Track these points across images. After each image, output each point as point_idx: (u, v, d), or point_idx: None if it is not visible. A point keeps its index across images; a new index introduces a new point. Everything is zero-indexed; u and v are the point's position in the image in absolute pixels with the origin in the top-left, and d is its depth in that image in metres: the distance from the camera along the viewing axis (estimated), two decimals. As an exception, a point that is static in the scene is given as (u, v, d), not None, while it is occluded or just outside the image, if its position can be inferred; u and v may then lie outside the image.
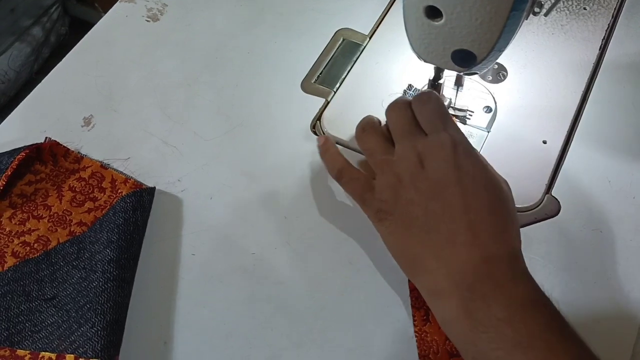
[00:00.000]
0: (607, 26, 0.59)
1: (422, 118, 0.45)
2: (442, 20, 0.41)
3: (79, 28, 0.57)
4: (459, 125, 0.53)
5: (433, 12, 0.41)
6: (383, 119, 0.55)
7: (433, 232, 0.41)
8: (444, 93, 0.53)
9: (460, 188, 0.41)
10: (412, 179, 0.42)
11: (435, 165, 0.42)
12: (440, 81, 0.50)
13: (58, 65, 0.61)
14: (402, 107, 0.46)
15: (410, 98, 0.47)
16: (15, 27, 1.64)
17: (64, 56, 0.62)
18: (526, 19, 0.42)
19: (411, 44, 0.45)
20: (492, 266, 0.38)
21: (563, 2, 0.60)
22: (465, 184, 0.41)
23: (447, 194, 0.41)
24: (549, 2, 0.44)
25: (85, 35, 0.64)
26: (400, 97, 0.48)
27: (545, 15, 0.46)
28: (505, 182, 0.44)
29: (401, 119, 0.46)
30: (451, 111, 0.54)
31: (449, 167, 0.41)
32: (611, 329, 0.44)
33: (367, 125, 0.48)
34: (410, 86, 0.54)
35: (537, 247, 0.47)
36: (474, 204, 0.40)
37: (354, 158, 0.53)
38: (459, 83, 0.51)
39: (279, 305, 0.47)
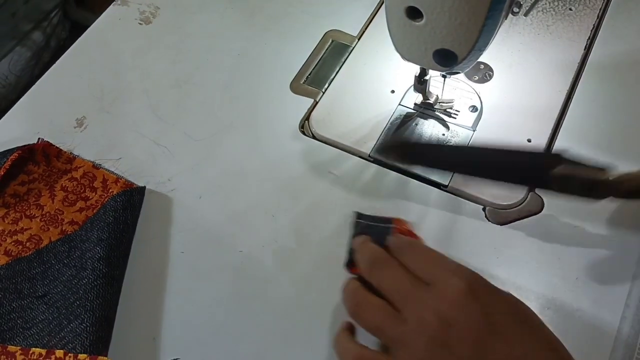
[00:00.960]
0: (592, 26, 0.60)
1: (417, 268, 0.38)
2: (423, 21, 0.42)
3: (79, 32, 0.58)
4: (446, 118, 0.54)
5: (414, 13, 0.42)
6: (369, 120, 0.56)
7: None
8: (430, 90, 0.53)
9: (501, 336, 0.34)
10: (443, 347, 0.34)
11: (463, 322, 0.35)
12: (426, 78, 0.50)
13: (52, 67, 0.62)
14: (390, 264, 0.38)
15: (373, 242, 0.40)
16: (16, 32, 1.66)
17: (64, 60, 0.63)
18: (505, 19, 0.42)
19: (394, 44, 0.46)
20: None
21: (549, 2, 0.61)
22: (501, 325, 0.35)
23: (490, 348, 0.34)
24: (528, 2, 0.45)
25: (79, 38, 0.65)
26: (371, 248, 0.40)
27: (525, 15, 0.47)
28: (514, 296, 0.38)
29: (395, 279, 0.38)
30: (437, 105, 0.54)
31: (478, 318, 0.35)
32: (592, 323, 0.44)
33: (358, 298, 0.39)
34: (359, 214, 0.44)
35: (521, 244, 0.48)
36: (525, 344, 0.35)
37: (342, 157, 0.54)
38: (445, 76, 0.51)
39: (266, 302, 0.48)
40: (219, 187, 0.53)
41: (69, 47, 0.63)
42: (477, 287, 0.36)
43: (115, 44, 0.64)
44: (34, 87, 0.61)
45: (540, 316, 0.36)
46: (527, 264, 0.47)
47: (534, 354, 0.34)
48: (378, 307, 0.37)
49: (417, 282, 0.37)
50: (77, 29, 1.94)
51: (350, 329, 0.39)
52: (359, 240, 0.42)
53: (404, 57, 0.47)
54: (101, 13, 0.67)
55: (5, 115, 0.60)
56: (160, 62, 0.62)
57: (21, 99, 0.60)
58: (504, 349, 0.34)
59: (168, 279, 0.49)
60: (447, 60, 0.44)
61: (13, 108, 0.60)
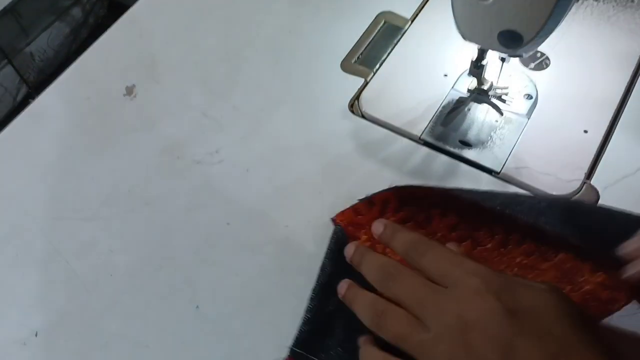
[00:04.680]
0: (654, 19, 0.58)
1: (434, 271, 0.37)
2: (491, 0, 0.41)
3: (117, 11, 0.59)
4: (500, 105, 0.53)
5: (482, -9, 0.41)
6: (420, 102, 0.55)
7: None
8: (485, 75, 0.52)
9: (529, 335, 0.32)
10: (467, 352, 0.33)
11: (484, 323, 0.33)
12: (483, 62, 0.49)
13: (103, 35, 0.63)
14: (402, 273, 0.38)
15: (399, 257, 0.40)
16: (56, 7, 1.68)
17: (102, 38, 0.63)
18: (576, 1, 0.41)
19: (457, 24, 0.45)
20: None
21: (611, -7, 0.60)
22: (526, 324, 0.33)
23: (517, 349, 0.32)
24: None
25: (131, 8, 0.65)
26: (377, 260, 0.40)
27: (596, -1, 0.46)
28: (547, 283, 0.36)
29: (412, 287, 0.37)
30: (491, 92, 0.53)
31: (501, 318, 0.33)
32: None
33: (379, 307, 0.38)
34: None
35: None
36: (552, 342, 0.32)
37: (391, 138, 0.53)
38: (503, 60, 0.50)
39: (309, 277, 0.47)
40: (266, 161, 0.53)
41: (106, 24, 0.64)
42: (496, 285, 0.34)
43: (166, 15, 0.64)
44: (85, 53, 0.62)
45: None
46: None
47: (569, 353, 0.32)
48: (399, 316, 0.36)
49: (434, 287, 0.36)
50: (115, 8, 1.96)
51: (371, 341, 0.39)
52: (359, 251, 0.41)
53: (466, 37, 0.46)
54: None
55: (56, 80, 0.60)
56: (211, 35, 0.62)
57: (72, 65, 0.61)
58: (532, 349, 0.32)
59: (213, 249, 0.49)
60: (512, 42, 0.43)
61: (64, 73, 0.60)
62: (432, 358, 0.34)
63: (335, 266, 0.45)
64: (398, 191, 0.46)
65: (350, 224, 0.47)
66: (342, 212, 0.48)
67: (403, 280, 0.37)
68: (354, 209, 0.48)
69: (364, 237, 0.46)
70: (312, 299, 0.45)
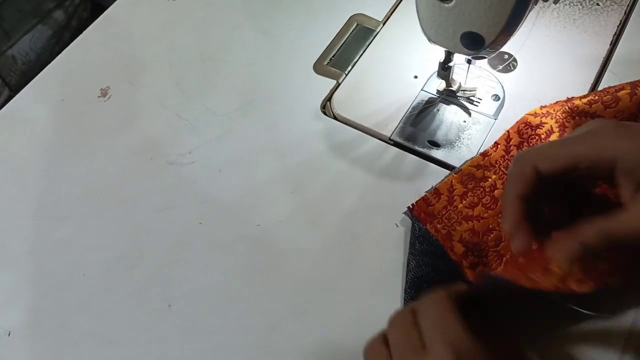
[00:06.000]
0: (619, 22, 0.60)
1: (423, 327, 0.38)
2: (452, 3, 0.42)
3: (100, 14, 0.59)
4: (468, 106, 0.54)
5: (444, -6, 0.42)
6: (391, 103, 0.56)
7: None
8: (453, 77, 0.53)
9: None
10: None
11: None
12: (450, 64, 0.50)
13: (78, 37, 0.63)
14: (403, 322, 0.39)
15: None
16: (38, 10, 1.67)
17: (85, 41, 0.64)
18: (535, 4, 0.43)
19: (422, 26, 0.46)
20: None
21: (576, -4, 0.61)
22: None
23: None
24: (558, -11, 0.45)
25: (106, 10, 0.65)
26: (398, 312, 0.40)
27: (555, 2, 0.47)
28: None
29: (399, 338, 0.39)
30: (460, 93, 0.55)
31: None
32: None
33: (372, 343, 0.40)
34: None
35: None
36: None
37: (362, 138, 0.54)
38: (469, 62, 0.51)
39: (281, 275, 0.48)
40: (239, 161, 0.54)
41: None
42: (466, 356, 0.35)
43: (142, 17, 0.65)
44: (60, 55, 0.62)
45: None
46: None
47: None
48: (380, 356, 0.38)
49: (415, 345, 0.37)
50: (97, 11, 1.96)
51: None
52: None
53: (431, 39, 0.47)
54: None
55: (32, 82, 0.61)
56: (186, 37, 0.63)
57: (48, 67, 0.61)
58: None
59: (185, 248, 0.50)
60: (474, 44, 0.44)
61: (39, 75, 0.61)
62: None
63: (420, 257, 0.46)
64: (458, 175, 0.49)
65: (424, 214, 0.48)
66: (415, 204, 0.48)
67: (399, 327, 0.39)
68: (424, 199, 0.48)
69: (438, 225, 0.47)
70: (405, 299, 0.45)
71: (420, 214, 0.48)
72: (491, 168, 0.49)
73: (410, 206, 0.48)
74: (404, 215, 0.49)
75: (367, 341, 0.39)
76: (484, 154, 0.50)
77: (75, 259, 0.50)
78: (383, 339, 0.39)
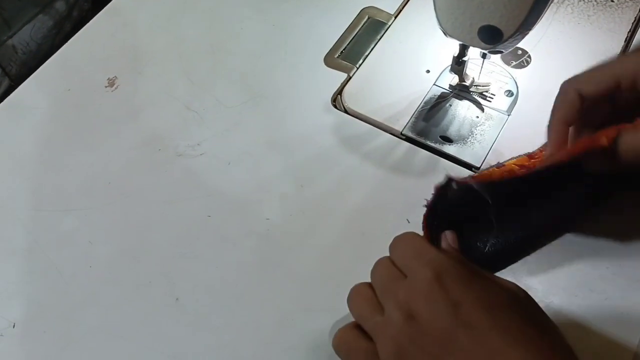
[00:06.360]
0: (633, 19, 0.59)
1: (398, 262, 0.38)
2: (472, -5, 0.41)
3: (101, 4, 0.59)
4: (481, 101, 0.53)
5: (463, -14, 0.41)
6: (403, 98, 0.55)
7: None
8: (466, 72, 0.53)
9: (468, 328, 0.33)
10: (410, 341, 0.34)
11: (428, 314, 0.34)
12: (465, 59, 0.50)
13: (86, 25, 0.62)
14: (380, 262, 0.40)
15: None
16: (40, 0, 1.66)
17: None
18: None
19: (438, 19, 0.46)
20: None
21: (591, -8, 0.60)
22: (469, 316, 0.33)
23: (457, 341, 0.33)
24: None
25: (112, 0, 0.64)
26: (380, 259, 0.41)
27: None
28: (514, 284, 0.36)
29: (379, 273, 0.39)
30: (473, 88, 0.54)
31: (443, 309, 0.33)
32: (621, 311, 0.44)
33: (352, 292, 0.40)
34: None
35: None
36: (492, 336, 0.32)
37: (373, 133, 0.54)
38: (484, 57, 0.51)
39: (289, 270, 0.47)
40: (248, 154, 0.53)
41: (90, 18, 0.63)
42: (447, 276, 0.35)
43: (150, 6, 0.64)
44: (67, 44, 0.61)
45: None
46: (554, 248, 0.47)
47: (507, 350, 0.32)
48: (364, 297, 0.38)
49: (397, 275, 0.37)
50: (100, 2, 1.95)
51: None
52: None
53: (447, 32, 0.46)
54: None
55: (37, 71, 0.60)
56: (195, 28, 0.62)
57: (53, 56, 0.61)
58: (472, 343, 0.32)
59: (193, 241, 0.49)
60: (492, 38, 0.44)
61: (45, 64, 0.60)
62: (382, 340, 0.35)
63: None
64: (499, 169, 0.46)
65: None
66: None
67: (377, 268, 0.39)
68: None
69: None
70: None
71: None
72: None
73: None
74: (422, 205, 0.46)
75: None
76: (531, 156, 0.48)
77: (81, 251, 0.49)
78: (366, 284, 0.39)
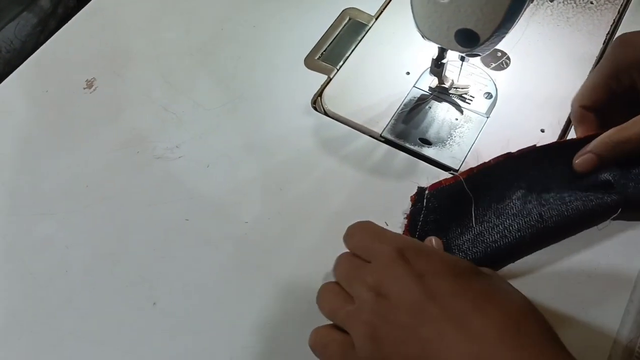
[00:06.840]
0: (612, 21, 0.59)
1: (359, 250, 0.39)
2: (448, -1, 0.41)
3: (86, 2, 0.58)
4: (460, 103, 0.53)
5: (439, -10, 0.41)
6: (383, 100, 0.56)
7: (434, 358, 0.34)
8: (446, 74, 0.53)
9: (434, 297, 0.34)
10: (383, 319, 0.35)
11: (396, 288, 0.35)
12: (444, 61, 0.50)
13: (64, 27, 0.62)
14: (340, 257, 0.41)
15: None
16: (24, -3, 1.65)
17: (71, 28, 0.62)
18: (531, 2, 0.42)
19: (416, 23, 0.46)
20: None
21: (570, -6, 0.61)
22: (433, 285, 0.35)
23: (426, 311, 0.34)
24: (555, -13, 0.44)
25: (93, 0, 0.64)
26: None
27: (551, 0, 0.47)
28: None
29: (342, 266, 0.40)
30: (452, 90, 0.54)
31: (410, 282, 0.35)
32: (595, 315, 0.44)
33: (319, 291, 0.41)
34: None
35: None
36: (457, 301, 0.34)
37: (353, 135, 0.53)
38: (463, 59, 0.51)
39: (268, 274, 0.47)
40: (227, 157, 0.53)
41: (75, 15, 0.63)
42: (408, 250, 0.36)
43: (129, 8, 0.63)
44: (44, 46, 0.61)
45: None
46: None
47: (473, 314, 0.33)
48: (333, 292, 0.39)
49: (360, 263, 0.38)
50: (84, -1, 1.94)
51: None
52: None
53: (424, 36, 0.46)
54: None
55: (14, 73, 0.59)
56: (175, 29, 0.61)
57: (31, 57, 0.60)
58: (439, 311, 0.34)
59: (171, 245, 0.49)
60: (469, 41, 0.44)
61: (22, 65, 0.59)
62: (356, 328, 0.36)
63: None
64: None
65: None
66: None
67: (339, 263, 0.40)
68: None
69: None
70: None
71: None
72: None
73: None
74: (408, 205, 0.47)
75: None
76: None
77: (58, 256, 0.48)
78: (331, 282, 0.40)
